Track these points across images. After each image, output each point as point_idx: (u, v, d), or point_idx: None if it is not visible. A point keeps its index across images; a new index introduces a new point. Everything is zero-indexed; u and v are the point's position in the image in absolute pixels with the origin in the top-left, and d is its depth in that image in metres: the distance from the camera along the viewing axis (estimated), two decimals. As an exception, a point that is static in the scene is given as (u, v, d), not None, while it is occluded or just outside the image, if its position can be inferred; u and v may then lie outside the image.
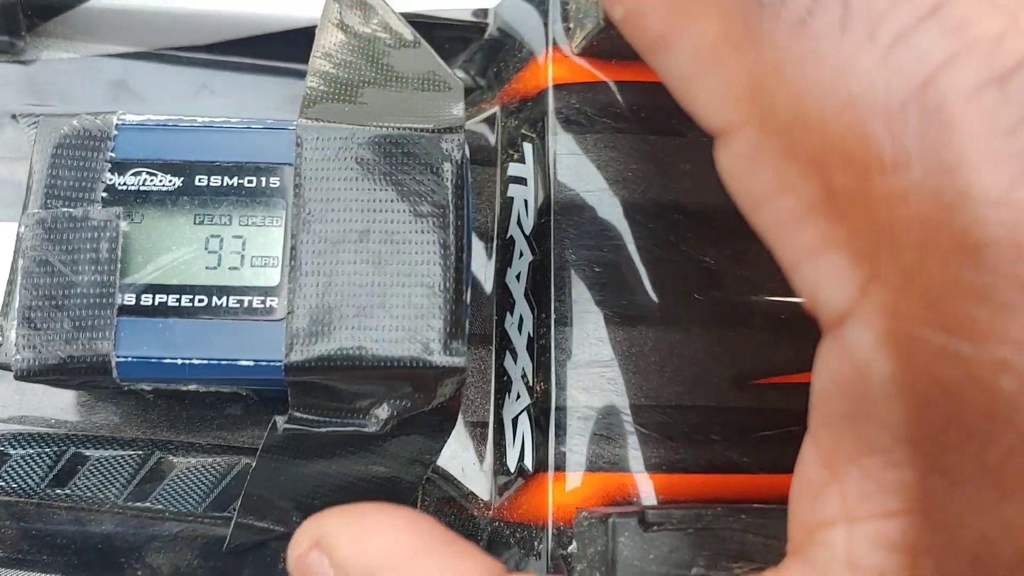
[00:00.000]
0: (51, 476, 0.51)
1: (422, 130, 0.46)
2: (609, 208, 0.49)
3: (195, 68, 0.60)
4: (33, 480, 0.50)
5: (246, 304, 0.44)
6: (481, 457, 0.52)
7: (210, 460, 0.51)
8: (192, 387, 0.45)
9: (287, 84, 0.60)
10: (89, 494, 0.51)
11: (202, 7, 0.58)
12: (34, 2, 0.57)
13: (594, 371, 0.46)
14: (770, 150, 0.30)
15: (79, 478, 0.51)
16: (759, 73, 0.29)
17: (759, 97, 0.30)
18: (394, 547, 0.41)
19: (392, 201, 0.45)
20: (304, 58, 0.60)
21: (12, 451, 0.50)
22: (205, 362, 0.43)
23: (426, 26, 0.57)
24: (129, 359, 0.43)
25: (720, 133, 0.32)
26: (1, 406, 0.51)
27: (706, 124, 0.33)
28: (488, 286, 0.54)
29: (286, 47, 0.59)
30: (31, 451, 0.51)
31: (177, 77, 0.59)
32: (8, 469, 0.50)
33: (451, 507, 0.51)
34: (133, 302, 0.44)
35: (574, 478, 0.45)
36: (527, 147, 0.52)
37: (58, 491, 0.51)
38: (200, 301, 0.44)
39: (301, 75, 0.61)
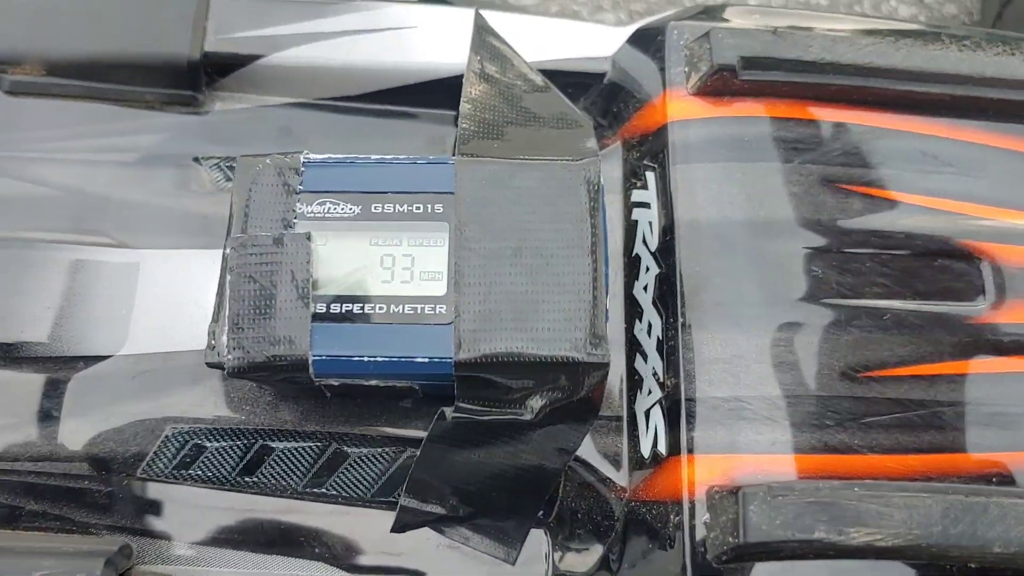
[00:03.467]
0: (241, 466, 0.58)
1: (562, 161, 0.53)
2: (725, 226, 0.56)
3: (349, 115, 0.69)
4: (226, 469, 0.58)
5: (419, 311, 0.51)
6: (617, 447, 0.58)
7: (379, 451, 0.59)
8: (373, 382, 0.53)
9: (428, 128, 0.69)
10: (274, 481, 0.58)
11: (355, 62, 0.67)
12: (215, 61, 0.66)
13: (718, 367, 0.53)
14: None
15: (265, 467, 0.58)
16: None
17: None
18: None
19: (540, 222, 0.52)
20: (440, 105, 0.69)
21: (208, 444, 0.58)
22: (387, 359, 0.51)
23: (551, 74, 0.65)
24: (323, 357, 0.51)
25: None
26: (198, 405, 0.59)
27: None
28: (619, 299, 0.61)
29: (426, 95, 0.68)
30: (224, 443, 0.58)
31: (334, 123, 0.68)
32: (204, 460, 0.58)
33: (590, 491, 0.58)
34: (324, 310, 0.51)
35: (704, 459, 0.51)
36: (649, 176, 0.60)
37: (247, 479, 0.59)
38: (380, 308, 0.52)
39: (439, 119, 0.70)
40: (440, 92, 0.67)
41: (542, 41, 0.68)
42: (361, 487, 0.59)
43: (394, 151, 0.62)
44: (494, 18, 0.64)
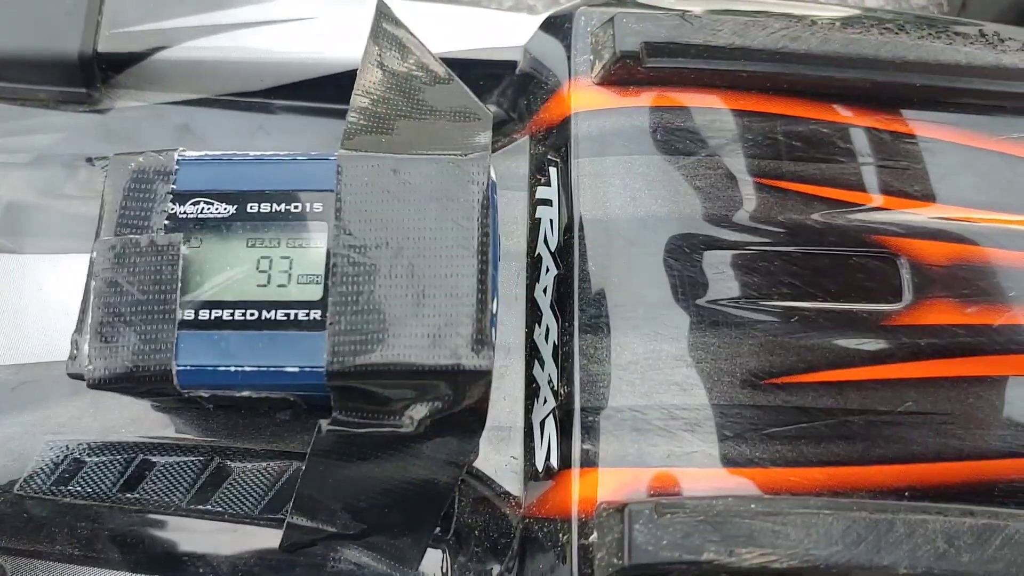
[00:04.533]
0: (122, 481, 0.55)
1: (451, 156, 0.50)
2: (627, 223, 0.52)
3: (251, 112, 0.65)
4: (106, 485, 0.55)
5: (292, 317, 0.48)
6: (513, 459, 0.55)
7: (264, 465, 0.55)
8: (245, 393, 0.50)
9: (333, 124, 0.65)
10: (156, 498, 0.55)
11: (256, 56, 0.64)
12: (108, 56, 0.63)
13: (615, 374, 0.50)
14: None
15: (147, 483, 0.55)
16: None
17: None
18: None
19: (423, 220, 0.49)
20: (348, 99, 0.66)
21: (87, 459, 0.55)
22: (256, 369, 0.48)
23: (463, 65, 0.61)
24: (188, 368, 0.48)
25: None
26: (77, 419, 0.56)
27: None
28: (520, 302, 0.57)
29: (333, 90, 0.64)
30: (104, 458, 0.55)
31: (235, 120, 0.65)
32: (84, 475, 0.55)
33: (486, 506, 0.54)
34: (192, 317, 0.48)
35: (595, 473, 0.48)
36: (552, 171, 0.56)
37: (128, 495, 0.55)
38: (252, 315, 0.48)
39: (342, 115, 0.66)
40: (345, 85, 0.64)
41: (453, 31, 0.64)
42: (248, 503, 0.55)
43: (300, 148, 0.59)
44: (401, 7, 0.61)
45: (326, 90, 0.64)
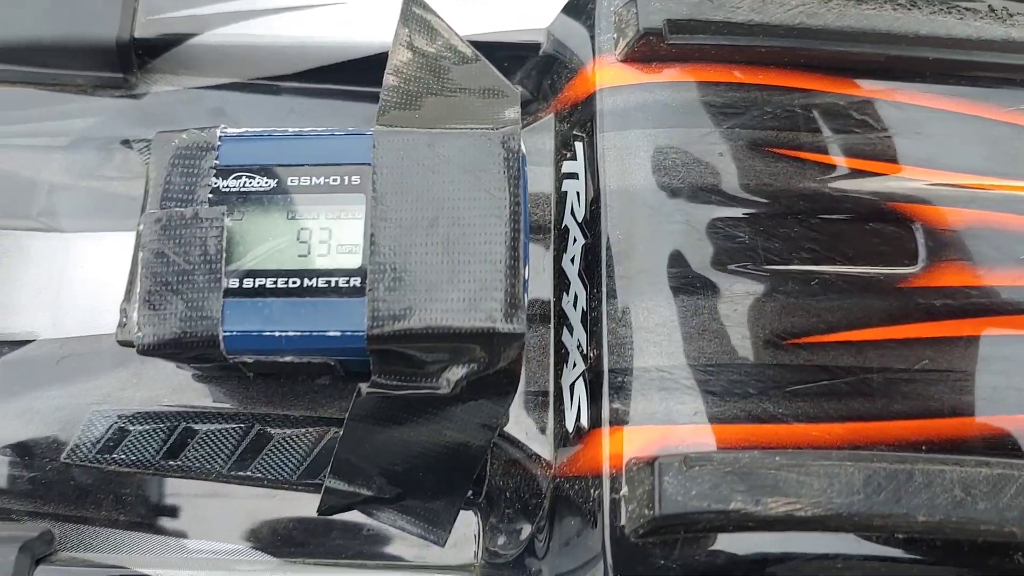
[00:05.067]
0: (165, 449, 0.57)
1: (483, 129, 0.52)
2: (651, 193, 0.54)
3: (283, 96, 0.68)
4: (150, 453, 0.57)
5: (333, 284, 0.50)
6: (543, 422, 0.57)
7: (303, 431, 0.57)
8: (288, 358, 0.52)
9: (364, 107, 0.67)
10: (198, 464, 0.57)
11: (287, 41, 0.66)
12: (145, 41, 0.65)
13: (642, 336, 0.52)
14: None
15: (189, 450, 0.57)
16: None
17: None
18: None
19: (458, 192, 0.51)
20: (378, 82, 0.68)
21: (131, 427, 0.57)
22: (299, 334, 0.50)
23: (487, 47, 0.63)
24: (234, 333, 0.50)
25: None
26: (120, 390, 0.58)
27: None
28: (548, 272, 0.59)
29: (362, 73, 0.66)
30: (147, 427, 0.57)
31: (267, 103, 0.67)
32: (128, 443, 0.57)
33: (517, 468, 0.56)
34: (236, 285, 0.50)
35: (625, 431, 0.50)
36: (578, 146, 0.58)
37: (172, 462, 0.57)
38: (294, 283, 0.50)
39: (374, 97, 0.68)
40: (375, 69, 0.66)
41: (478, 14, 0.66)
42: (286, 469, 0.57)
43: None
44: (426, -8, 0.63)
45: (355, 73, 0.66)
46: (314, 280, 0.51)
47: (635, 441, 0.50)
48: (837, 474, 0.46)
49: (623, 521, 0.48)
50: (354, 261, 0.51)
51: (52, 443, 0.58)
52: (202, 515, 0.58)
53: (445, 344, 0.49)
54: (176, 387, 0.58)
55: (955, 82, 0.57)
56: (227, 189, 0.52)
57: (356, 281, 0.50)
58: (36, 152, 0.65)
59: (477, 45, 0.62)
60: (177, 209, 0.52)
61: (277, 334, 0.50)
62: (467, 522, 0.57)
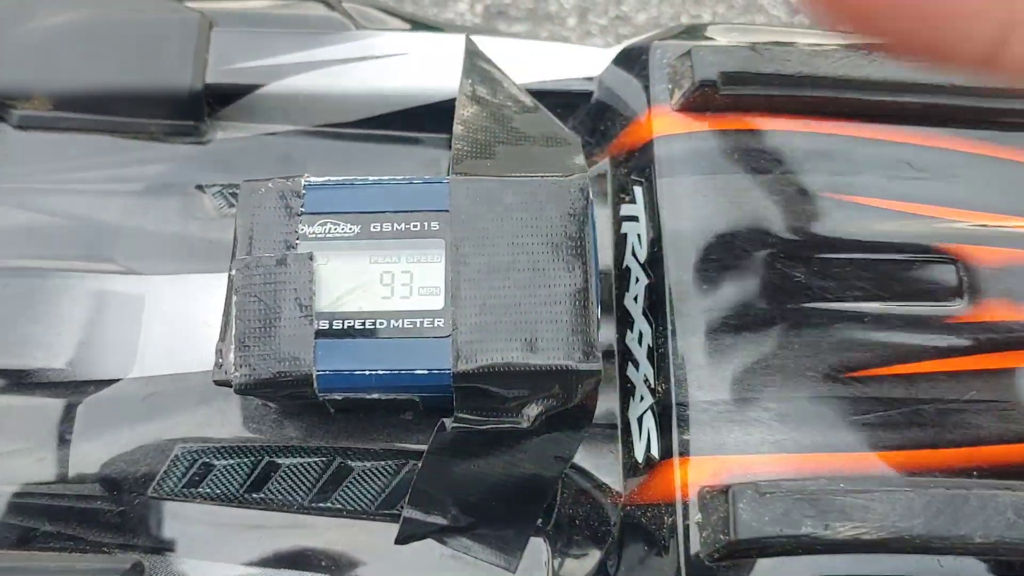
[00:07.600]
0: (249, 482, 0.60)
1: (554, 177, 0.55)
2: (710, 236, 0.58)
3: (346, 141, 0.71)
4: (234, 486, 0.60)
5: (417, 325, 0.53)
6: (612, 453, 0.60)
7: (382, 464, 0.60)
8: (375, 395, 0.55)
9: (422, 151, 0.71)
10: (281, 497, 0.60)
11: (350, 89, 0.70)
12: (216, 91, 0.69)
13: (707, 371, 0.55)
14: None
15: (272, 483, 0.60)
16: None
17: None
18: None
19: (532, 236, 0.54)
20: (434, 128, 0.72)
21: (216, 462, 0.60)
22: (388, 372, 0.53)
23: (539, 94, 0.67)
24: (327, 372, 0.53)
25: None
26: (206, 425, 0.61)
27: None
28: (611, 310, 0.63)
29: (420, 120, 0.70)
30: (232, 461, 0.60)
31: (332, 148, 0.71)
32: (213, 477, 0.60)
33: (587, 498, 0.60)
34: (327, 327, 0.53)
35: (695, 461, 0.53)
36: (637, 190, 0.62)
37: (255, 495, 0.60)
38: (381, 324, 0.54)
39: (433, 143, 0.72)
40: (434, 116, 0.70)
41: (531, 64, 0.70)
42: (365, 500, 0.60)
43: (391, 174, 0.64)
44: (484, 42, 0.67)
45: (415, 120, 0.70)
46: (400, 321, 0.54)
47: (705, 470, 0.53)
48: (898, 499, 0.49)
49: (697, 546, 0.51)
50: (436, 303, 0.54)
51: (140, 478, 0.60)
52: (284, 546, 0.61)
53: (526, 381, 0.53)
54: (259, 423, 0.61)
55: (987, 128, 0.62)
56: (313, 235, 0.55)
57: (440, 322, 0.54)
58: (113, 197, 0.68)
59: (532, 93, 0.66)
60: (267, 254, 0.55)
61: (367, 373, 0.53)
62: (537, 548, 0.60)
